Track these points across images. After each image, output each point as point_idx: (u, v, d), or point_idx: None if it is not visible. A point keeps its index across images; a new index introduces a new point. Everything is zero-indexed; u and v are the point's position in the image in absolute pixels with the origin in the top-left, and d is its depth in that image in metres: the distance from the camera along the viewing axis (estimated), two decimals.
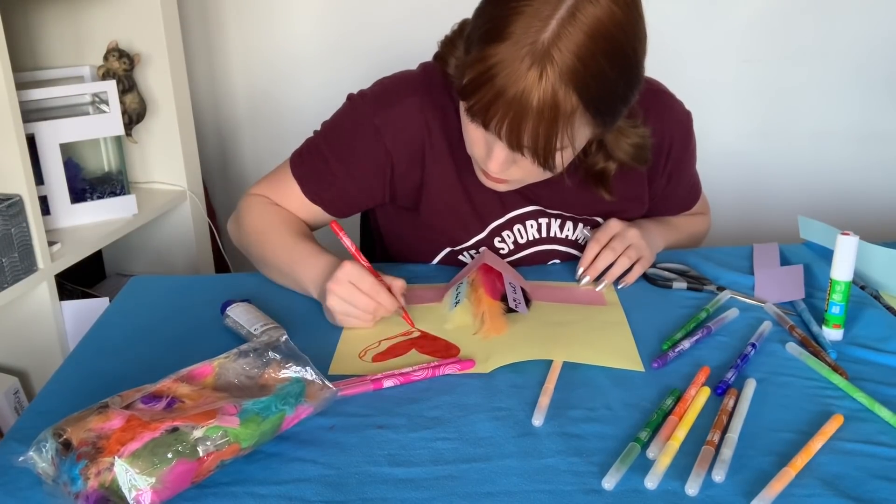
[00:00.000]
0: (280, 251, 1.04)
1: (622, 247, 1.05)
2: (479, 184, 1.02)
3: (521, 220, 1.10)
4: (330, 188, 1.07)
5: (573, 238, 1.13)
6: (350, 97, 1.07)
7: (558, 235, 1.12)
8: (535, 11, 0.79)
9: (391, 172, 1.06)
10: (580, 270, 1.05)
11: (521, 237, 1.11)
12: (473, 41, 0.85)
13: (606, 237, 1.05)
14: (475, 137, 0.91)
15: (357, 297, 0.92)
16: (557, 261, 1.14)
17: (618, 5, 0.80)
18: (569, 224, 1.12)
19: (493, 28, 0.81)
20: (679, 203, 1.23)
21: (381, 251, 1.27)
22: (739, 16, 1.86)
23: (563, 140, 0.84)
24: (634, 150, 1.00)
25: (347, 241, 0.96)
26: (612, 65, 0.82)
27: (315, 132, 1.10)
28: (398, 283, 0.95)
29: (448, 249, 1.13)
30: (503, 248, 1.11)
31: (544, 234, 1.11)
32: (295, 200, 1.09)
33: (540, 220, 1.11)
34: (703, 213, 1.29)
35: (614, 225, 1.07)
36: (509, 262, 1.11)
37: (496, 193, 1.05)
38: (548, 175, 0.94)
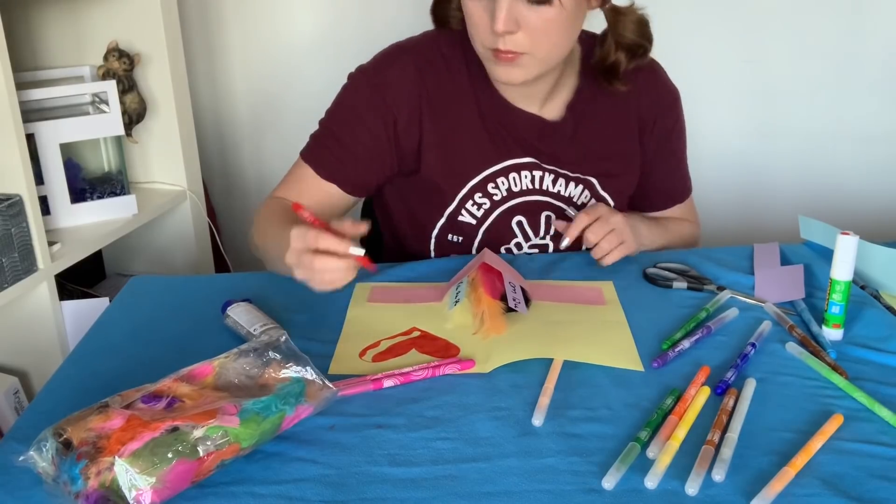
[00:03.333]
0: (274, 240, 1.01)
1: (604, 230, 1.07)
2: (478, 133, 1.09)
3: (517, 169, 1.13)
4: (342, 162, 1.10)
5: (565, 195, 1.16)
6: (349, 75, 1.12)
7: (551, 189, 1.15)
8: None
9: (394, 128, 1.09)
10: (565, 241, 1.09)
11: (515, 185, 1.14)
12: None
13: (592, 218, 1.08)
14: (479, 18, 0.97)
15: (307, 258, 0.85)
16: (550, 213, 1.16)
17: None
18: (561, 181, 1.15)
19: None
20: (668, 191, 1.25)
21: (390, 238, 1.28)
22: (739, 16, 1.86)
23: None
24: (638, 27, 1.06)
25: (306, 214, 0.89)
26: None
27: (321, 120, 1.13)
28: (347, 224, 0.88)
29: (449, 210, 1.14)
30: (496, 194, 1.14)
31: (537, 186, 1.15)
32: (311, 187, 1.11)
33: (534, 173, 1.14)
34: (692, 221, 1.30)
35: (601, 208, 1.09)
36: (501, 210, 1.14)
37: (493, 142, 1.10)
38: (556, 43, 0.99)
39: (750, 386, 0.82)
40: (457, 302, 0.95)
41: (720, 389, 0.81)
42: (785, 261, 1.11)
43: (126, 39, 1.63)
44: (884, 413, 0.77)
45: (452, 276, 1.06)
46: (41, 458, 0.65)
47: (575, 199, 1.17)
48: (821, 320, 0.94)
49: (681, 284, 1.05)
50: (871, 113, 1.92)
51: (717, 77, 1.91)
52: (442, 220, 1.15)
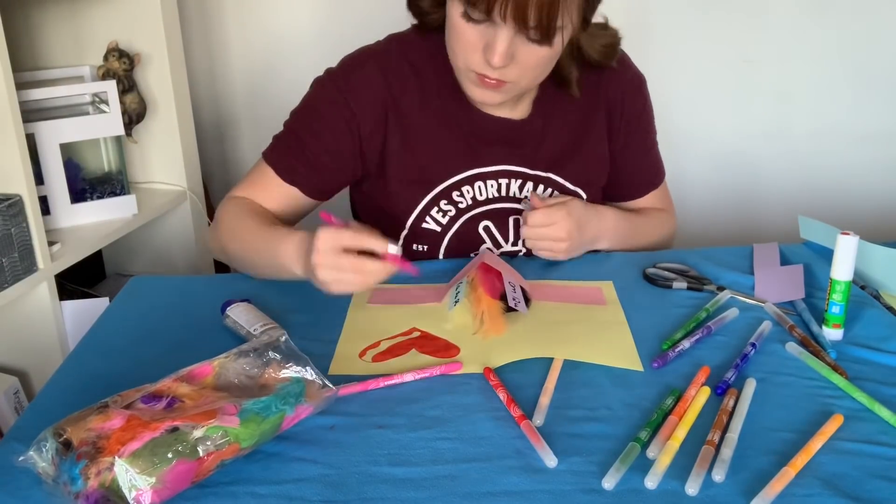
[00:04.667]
0: (262, 243, 1.01)
1: (556, 234, 1.06)
2: (444, 141, 1.09)
3: (483, 178, 1.13)
4: (304, 167, 1.09)
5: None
6: (316, 79, 1.11)
7: (518, 196, 1.15)
8: None
9: (359, 134, 1.08)
10: (523, 230, 1.08)
11: (481, 194, 1.13)
12: None
13: (547, 221, 1.06)
14: (470, 40, 0.95)
15: (340, 259, 0.85)
16: (518, 217, 1.15)
17: None
18: (529, 185, 1.15)
19: None
20: (644, 177, 1.24)
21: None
22: (739, 16, 1.86)
23: (563, 15, 0.91)
24: (605, 49, 1.08)
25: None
26: None
27: (285, 122, 1.13)
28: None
29: (413, 216, 1.13)
30: (462, 202, 1.13)
31: (503, 194, 1.14)
32: (272, 190, 1.10)
33: (500, 181, 1.13)
34: (668, 210, 1.29)
35: (557, 213, 1.06)
36: (467, 217, 1.14)
37: (460, 151, 1.10)
38: (541, 74, 1.00)
39: (750, 386, 0.82)
40: (457, 302, 0.95)
41: (720, 389, 0.81)
42: (785, 261, 1.11)
43: (126, 39, 1.63)
44: (884, 413, 0.77)
45: (452, 277, 1.06)
46: (41, 458, 0.65)
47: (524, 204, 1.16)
48: (821, 320, 0.94)
49: (681, 284, 1.05)
50: (871, 113, 1.92)
51: (717, 77, 1.91)
52: (405, 230, 1.14)
